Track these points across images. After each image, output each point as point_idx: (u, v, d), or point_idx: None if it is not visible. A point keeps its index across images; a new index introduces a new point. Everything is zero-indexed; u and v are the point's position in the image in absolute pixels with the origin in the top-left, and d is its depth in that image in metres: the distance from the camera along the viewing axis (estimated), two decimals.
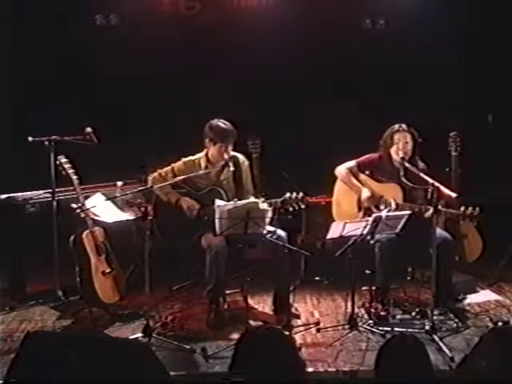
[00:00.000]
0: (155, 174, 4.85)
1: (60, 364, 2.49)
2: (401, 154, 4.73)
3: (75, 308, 4.85)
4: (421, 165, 4.83)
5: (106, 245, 4.82)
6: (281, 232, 4.70)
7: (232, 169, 4.78)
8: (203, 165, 4.81)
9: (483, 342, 3.03)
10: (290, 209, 4.51)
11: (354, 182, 4.92)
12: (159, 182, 4.75)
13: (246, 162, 4.95)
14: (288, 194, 4.49)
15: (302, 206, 4.51)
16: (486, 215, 4.58)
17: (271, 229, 4.56)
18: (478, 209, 4.50)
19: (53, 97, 6.21)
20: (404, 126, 4.79)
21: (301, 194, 4.48)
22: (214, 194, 4.65)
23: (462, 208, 4.53)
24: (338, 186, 5.05)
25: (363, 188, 4.87)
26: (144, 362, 2.68)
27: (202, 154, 4.85)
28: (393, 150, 4.79)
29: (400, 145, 4.75)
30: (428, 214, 4.46)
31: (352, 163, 4.98)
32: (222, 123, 4.75)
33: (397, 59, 6.32)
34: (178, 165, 4.87)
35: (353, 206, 4.93)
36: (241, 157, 4.94)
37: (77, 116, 5.68)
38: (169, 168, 4.86)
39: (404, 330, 4.39)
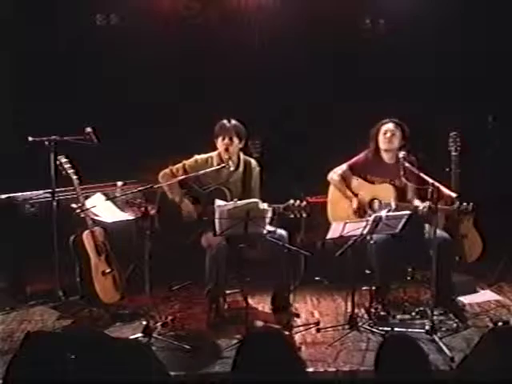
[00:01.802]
0: (167, 170, 4.86)
1: (60, 364, 2.49)
2: (385, 145, 4.79)
3: (75, 308, 4.85)
4: (412, 158, 4.84)
5: (106, 245, 4.82)
6: (281, 231, 4.69)
7: (232, 168, 4.79)
8: (215, 163, 4.82)
9: (483, 341, 3.03)
10: (292, 216, 4.47)
11: (346, 190, 4.95)
12: (169, 178, 4.78)
13: (258, 168, 4.93)
14: (291, 201, 4.43)
15: (304, 215, 4.45)
16: (485, 215, 4.59)
17: (271, 228, 4.56)
18: (471, 204, 4.54)
19: (53, 97, 6.21)
20: (394, 119, 4.85)
21: (304, 203, 4.43)
22: (219, 194, 4.64)
23: (457, 203, 4.56)
24: (332, 189, 5.07)
25: (353, 198, 4.90)
26: (144, 362, 2.68)
27: (214, 153, 4.86)
28: (380, 141, 4.83)
29: (389, 135, 4.80)
30: (421, 208, 4.48)
31: (343, 167, 5.00)
32: (225, 120, 4.77)
33: (397, 59, 6.31)
34: (189, 162, 4.87)
35: (348, 209, 4.94)
36: (253, 162, 4.94)
37: (77, 116, 5.68)
38: (180, 165, 4.87)
39: (404, 329, 4.40)
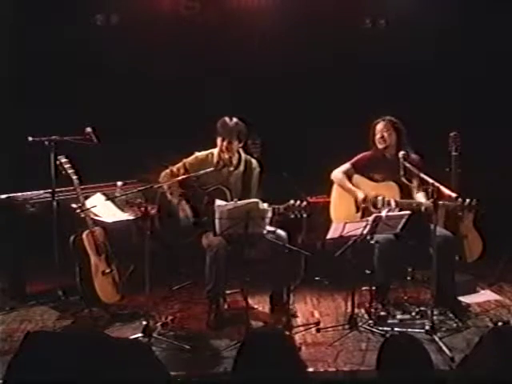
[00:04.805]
0: (167, 170, 4.86)
1: (60, 364, 2.49)
2: (381, 145, 4.82)
3: (75, 308, 4.85)
4: (414, 156, 4.83)
5: (106, 245, 4.82)
6: (281, 232, 4.70)
7: (231, 168, 4.79)
8: (214, 161, 4.81)
9: (483, 341, 3.03)
10: (292, 216, 4.47)
11: (349, 186, 4.95)
12: (169, 178, 4.78)
13: (258, 169, 4.93)
14: (292, 201, 4.44)
15: (304, 215, 4.46)
16: (485, 215, 4.59)
17: (271, 229, 4.56)
18: (475, 200, 4.54)
19: (53, 97, 6.21)
20: (387, 117, 4.87)
21: (304, 203, 4.42)
22: (219, 193, 4.64)
23: (460, 199, 4.56)
24: (335, 188, 5.07)
25: (358, 191, 4.89)
26: (144, 362, 2.68)
27: (215, 150, 4.84)
28: (376, 142, 4.87)
29: (380, 135, 4.83)
30: (424, 206, 4.49)
31: (347, 165, 5.01)
32: (227, 118, 4.75)
33: (397, 59, 6.32)
34: (189, 159, 4.88)
35: (350, 207, 4.94)
36: (254, 161, 4.94)
37: (77, 116, 5.68)
38: (180, 164, 4.87)
39: (404, 329, 4.40)
